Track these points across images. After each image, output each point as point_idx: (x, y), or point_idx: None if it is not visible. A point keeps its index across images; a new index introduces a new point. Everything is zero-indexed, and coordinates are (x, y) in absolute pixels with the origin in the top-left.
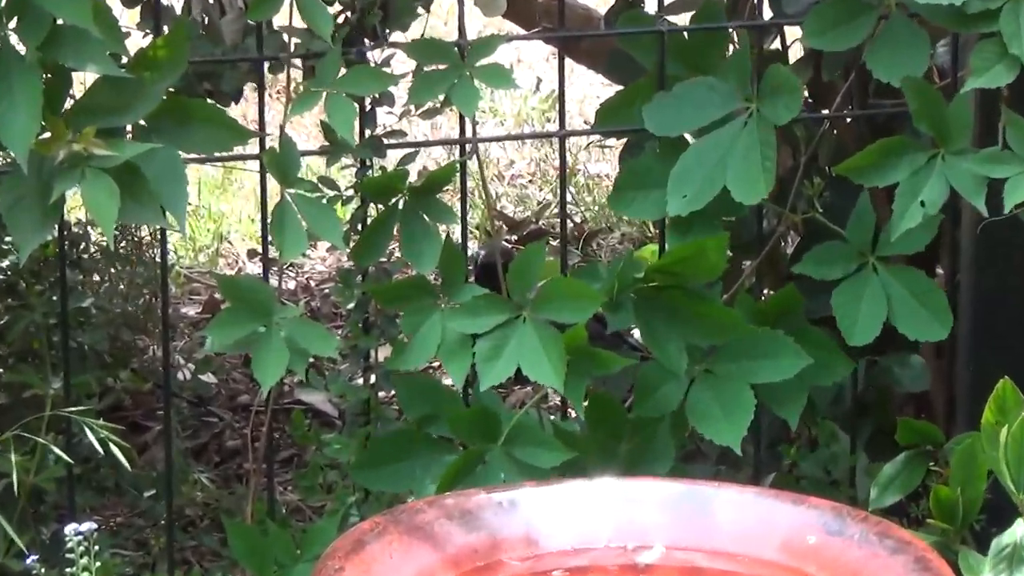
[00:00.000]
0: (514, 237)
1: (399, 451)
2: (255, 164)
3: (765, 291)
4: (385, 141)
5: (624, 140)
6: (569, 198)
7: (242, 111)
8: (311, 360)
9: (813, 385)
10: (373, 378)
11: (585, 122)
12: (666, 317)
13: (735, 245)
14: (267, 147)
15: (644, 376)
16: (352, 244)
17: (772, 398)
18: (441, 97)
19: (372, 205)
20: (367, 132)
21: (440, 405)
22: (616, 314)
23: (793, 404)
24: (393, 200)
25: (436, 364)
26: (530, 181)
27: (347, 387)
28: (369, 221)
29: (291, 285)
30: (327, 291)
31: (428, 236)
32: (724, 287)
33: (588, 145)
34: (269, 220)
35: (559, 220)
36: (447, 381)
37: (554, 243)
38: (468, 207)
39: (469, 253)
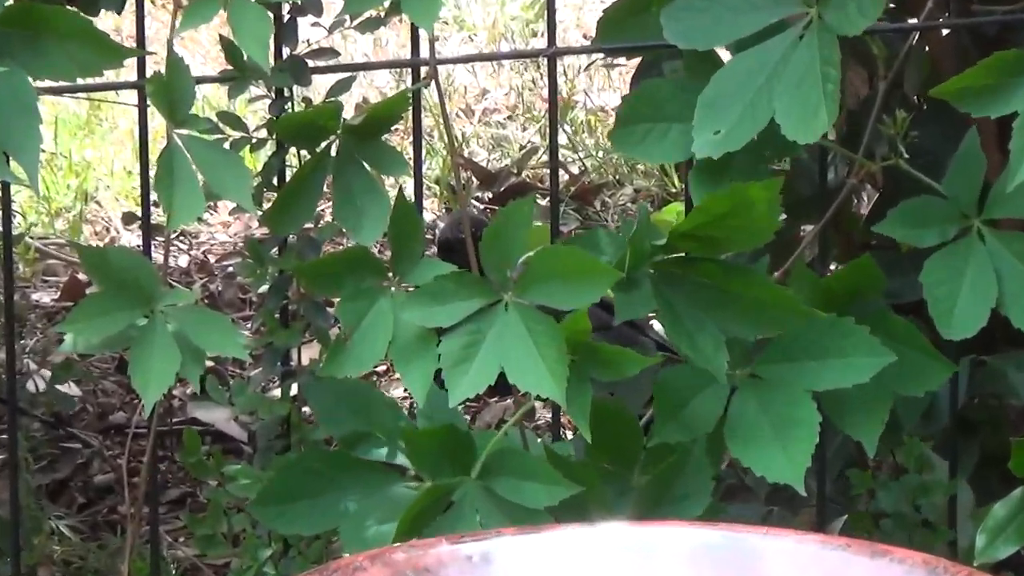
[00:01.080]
0: (488, 194)
1: (320, 481)
2: (132, 95)
3: (831, 266)
4: (310, 63)
5: (637, 60)
6: (563, 140)
7: (115, 24)
8: (210, 364)
9: (898, 394)
10: (295, 388)
11: (584, 36)
12: (697, 300)
13: (790, 203)
14: (150, 73)
15: (668, 383)
16: (265, 205)
17: (841, 412)
18: (386, 3)
19: (293, 152)
20: (285, 51)
21: (374, 420)
22: (628, 296)
23: (870, 420)
24: (322, 145)
25: (381, 369)
26: (509, 117)
27: (259, 400)
28: (289, 174)
29: (182, 261)
30: (231, 269)
31: (371, 193)
32: (774, 261)
33: (589, 66)
34: (152, 173)
35: (549, 171)
36: (397, 391)
37: (543, 202)
38: (424, 153)
39: (426, 218)
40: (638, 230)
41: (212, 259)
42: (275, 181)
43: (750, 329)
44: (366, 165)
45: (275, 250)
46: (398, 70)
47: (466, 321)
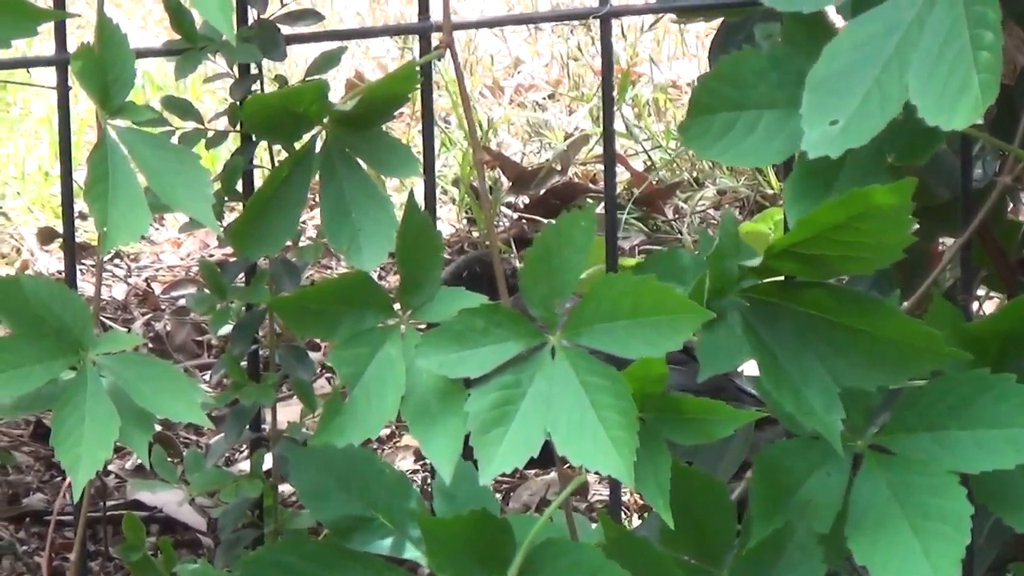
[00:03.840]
0: (524, 199)
1: None
2: (50, 73)
3: (979, 292)
4: (284, 30)
5: (718, 22)
6: (622, 126)
7: None
8: (158, 427)
9: None
10: (269, 460)
11: None
12: (802, 339)
13: (923, 209)
14: (73, 45)
15: (772, 460)
16: (230, 217)
17: (999, 496)
18: None
19: (264, 147)
20: (251, 14)
21: (376, 500)
22: (711, 336)
23: None
24: (304, 138)
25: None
26: (551, 96)
27: (221, 477)
28: (260, 177)
29: (119, 292)
30: (183, 302)
31: (370, 201)
32: (903, 285)
33: (654, 24)
34: (79, 175)
35: (603, 166)
36: (405, 463)
37: (597, 209)
38: (439, 146)
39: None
40: (721, 245)
41: (157, 289)
42: (241, 187)
43: (873, 376)
44: (362, 164)
45: (241, 277)
46: (402, 37)
47: (501, 371)
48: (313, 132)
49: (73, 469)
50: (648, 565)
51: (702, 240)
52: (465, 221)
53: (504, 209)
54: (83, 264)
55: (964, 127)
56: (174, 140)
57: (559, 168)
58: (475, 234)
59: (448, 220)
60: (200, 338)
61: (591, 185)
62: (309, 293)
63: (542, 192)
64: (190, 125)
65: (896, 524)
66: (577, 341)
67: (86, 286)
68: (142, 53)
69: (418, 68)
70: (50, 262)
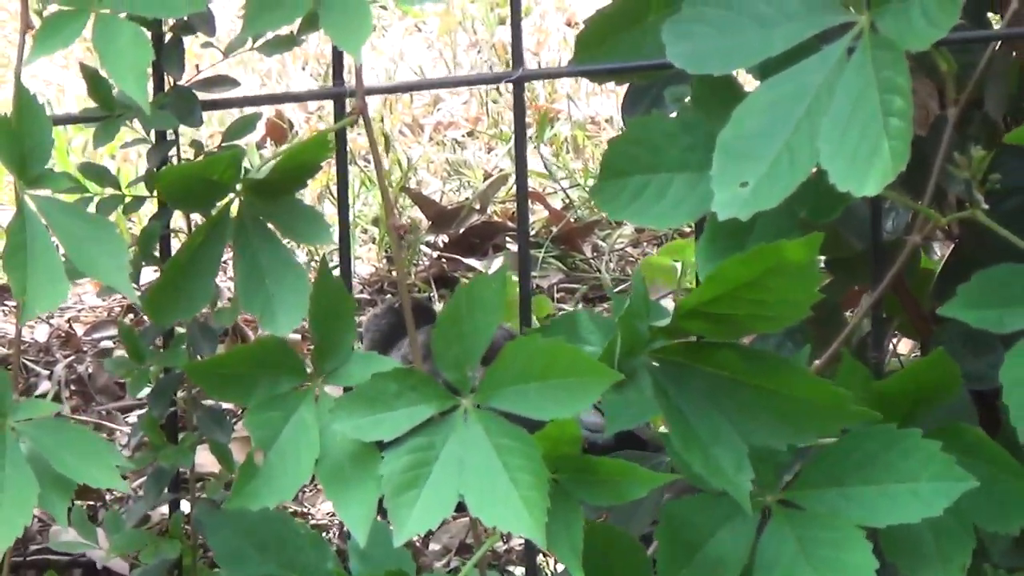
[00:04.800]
0: (443, 238)
1: None
2: None
3: (893, 338)
4: (200, 96)
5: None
6: (539, 165)
7: None
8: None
9: (982, 529)
10: (188, 518)
11: (568, 23)
12: (712, 399)
13: (835, 260)
14: None
15: (677, 516)
16: (146, 286)
17: (907, 553)
18: (297, 22)
19: (180, 212)
20: (167, 80)
21: (292, 560)
22: (620, 397)
23: (946, 564)
24: (220, 205)
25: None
26: (470, 134)
27: (141, 539)
28: (177, 240)
29: (40, 333)
30: (105, 343)
31: (284, 268)
32: (816, 339)
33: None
34: None
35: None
36: (326, 506)
37: (515, 246)
38: (357, 185)
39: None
40: (631, 307)
41: (80, 330)
42: (157, 252)
43: (783, 435)
44: (277, 233)
45: (159, 339)
46: (318, 102)
47: (414, 434)
48: (227, 200)
49: None
50: None
51: (615, 303)
52: (385, 260)
53: (424, 247)
54: (5, 305)
55: (874, 193)
56: (92, 207)
57: (478, 207)
58: (394, 273)
59: (368, 259)
60: (122, 380)
61: (509, 223)
62: (224, 358)
63: (462, 231)
64: (107, 191)
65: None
66: (489, 404)
67: (7, 327)
68: (59, 120)
69: (330, 137)
70: None
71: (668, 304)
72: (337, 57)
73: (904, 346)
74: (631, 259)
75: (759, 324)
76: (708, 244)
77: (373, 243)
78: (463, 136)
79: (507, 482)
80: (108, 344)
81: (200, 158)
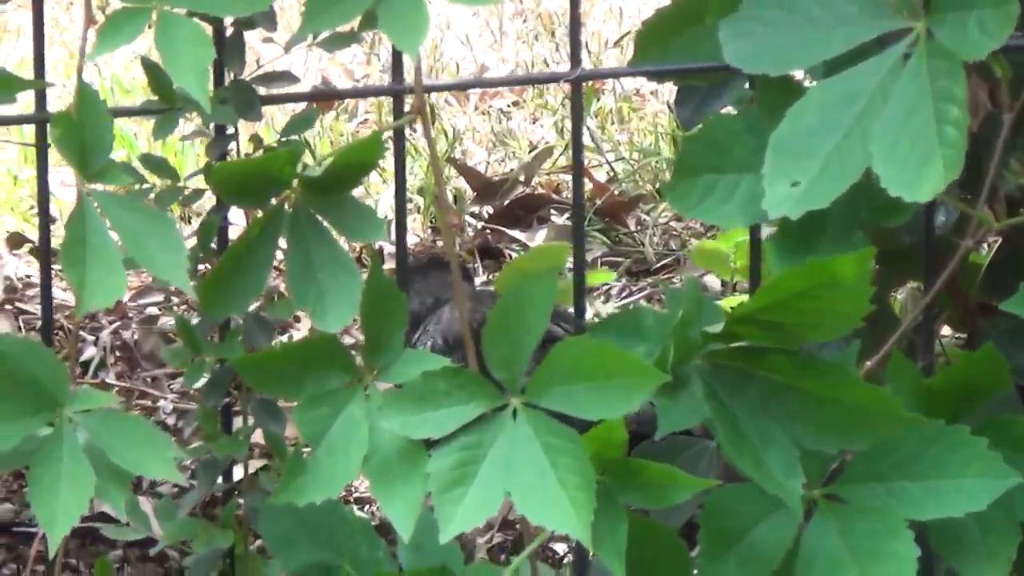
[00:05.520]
0: (487, 209)
1: None
2: (22, 134)
3: (941, 330)
4: (260, 91)
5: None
6: (585, 138)
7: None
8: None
9: None
10: (240, 508)
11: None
12: (763, 405)
13: (885, 253)
14: (54, 111)
15: (721, 506)
16: (201, 276)
17: (953, 545)
18: (357, 19)
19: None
20: (228, 75)
21: (344, 550)
22: (671, 402)
23: (992, 558)
24: (276, 202)
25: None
26: (515, 104)
27: (194, 527)
28: (234, 235)
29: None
30: (151, 310)
31: (336, 265)
32: (867, 335)
33: (621, 40)
34: (59, 243)
35: (569, 179)
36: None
37: (560, 220)
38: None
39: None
40: (685, 316)
41: (125, 296)
42: (215, 244)
43: (833, 440)
44: (331, 230)
45: (215, 333)
46: (376, 98)
47: (462, 432)
48: (282, 196)
49: (49, 525)
50: None
51: (669, 297)
52: (430, 230)
53: (468, 219)
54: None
55: (927, 200)
56: (151, 197)
57: (523, 179)
58: (439, 243)
59: (412, 230)
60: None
61: (554, 196)
62: (274, 354)
63: (506, 203)
64: (165, 183)
65: (844, 567)
66: (538, 403)
67: (59, 293)
68: (119, 113)
69: (385, 136)
70: (19, 266)
71: (711, 281)
72: (397, 53)
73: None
74: (675, 232)
75: (810, 333)
76: (778, 243)
77: (418, 212)
78: (508, 106)
79: (555, 482)
80: (154, 311)
81: (259, 153)
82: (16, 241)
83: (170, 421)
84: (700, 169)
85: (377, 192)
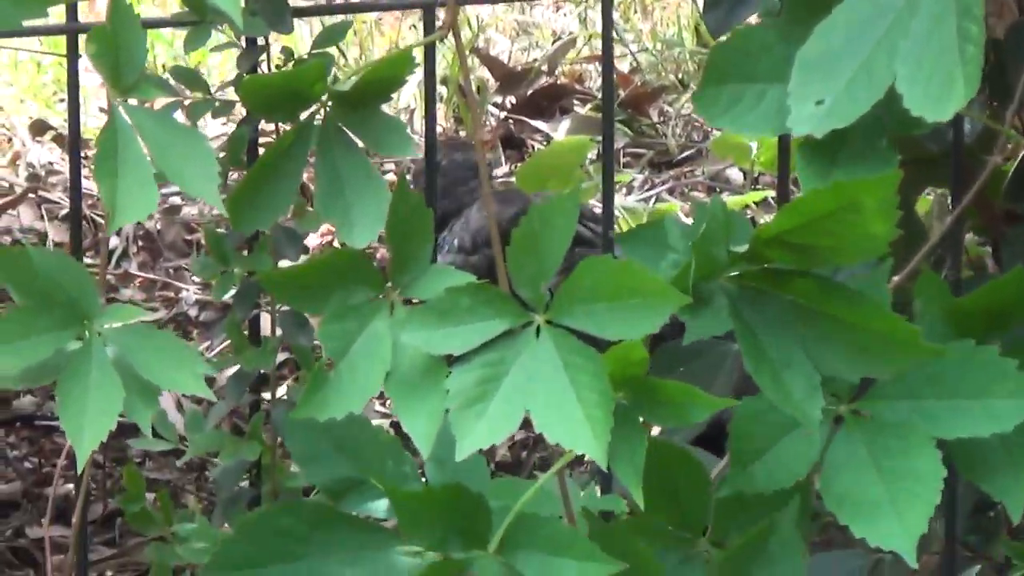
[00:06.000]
0: (511, 99)
1: (293, 543)
2: (53, 44)
3: (967, 236)
4: (292, 2)
5: None
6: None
7: None
8: None
9: None
10: (267, 420)
11: None
12: (786, 326)
13: (911, 161)
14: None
15: (748, 417)
16: (229, 190)
17: (976, 464)
18: None
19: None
20: None
21: (369, 463)
22: (697, 320)
23: (1016, 477)
24: (305, 115)
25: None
26: None
27: (222, 440)
28: (261, 150)
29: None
30: (174, 199)
31: (364, 179)
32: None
33: None
34: (89, 153)
35: (594, 71)
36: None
37: (583, 110)
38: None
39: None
40: (707, 232)
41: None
42: (245, 157)
43: (856, 367)
44: (360, 144)
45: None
46: (403, 11)
47: (485, 348)
48: (313, 110)
49: (77, 439)
50: (622, 538)
51: (696, 210)
52: (453, 120)
53: (491, 108)
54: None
55: (948, 118)
56: (180, 113)
57: (547, 69)
58: (462, 133)
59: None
60: (190, 237)
61: (577, 86)
62: (300, 268)
63: (529, 93)
64: (196, 96)
65: (870, 483)
66: (561, 321)
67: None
68: (150, 24)
69: (414, 52)
70: (42, 153)
71: (734, 174)
72: None
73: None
74: (696, 124)
75: (837, 256)
76: (804, 155)
77: (441, 101)
78: None
79: (573, 400)
80: (176, 200)
81: (289, 66)
82: (39, 128)
83: (192, 312)
84: (728, 77)
85: None
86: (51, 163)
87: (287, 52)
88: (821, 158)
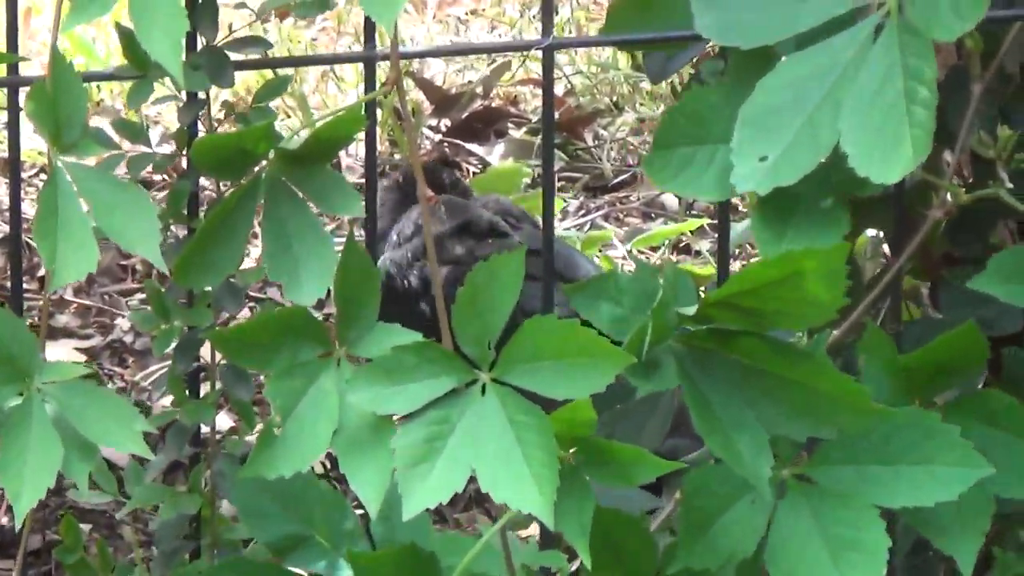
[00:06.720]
0: (445, 122)
1: None
2: None
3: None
4: (233, 57)
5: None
6: None
7: None
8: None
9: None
10: (208, 473)
11: None
12: (735, 386)
13: (851, 203)
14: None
15: (698, 487)
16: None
17: (927, 520)
18: None
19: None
20: (200, 41)
21: (315, 520)
22: (648, 381)
23: (966, 533)
24: (252, 174)
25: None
26: (473, 13)
27: (162, 493)
28: (205, 206)
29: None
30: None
31: (312, 237)
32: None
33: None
34: (28, 217)
35: (532, 92)
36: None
37: (518, 134)
38: (355, 85)
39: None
40: (664, 299)
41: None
42: (185, 210)
43: (803, 427)
44: (308, 203)
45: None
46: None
47: (431, 407)
48: (260, 169)
49: (16, 497)
50: None
51: (638, 267)
52: (387, 143)
53: (426, 131)
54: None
55: (895, 180)
56: (120, 170)
57: (481, 92)
58: (396, 156)
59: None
60: (125, 262)
61: (512, 109)
62: (247, 326)
63: (464, 116)
64: (137, 149)
65: (816, 553)
66: (506, 379)
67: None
68: (90, 78)
69: (362, 109)
70: None
71: (669, 199)
72: (368, 19)
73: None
74: (631, 147)
75: (785, 321)
76: (759, 213)
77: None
78: (466, 14)
79: (520, 458)
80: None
81: (232, 121)
82: None
83: (128, 339)
84: (678, 140)
85: (336, 104)
86: None
87: (228, 107)
88: (775, 219)
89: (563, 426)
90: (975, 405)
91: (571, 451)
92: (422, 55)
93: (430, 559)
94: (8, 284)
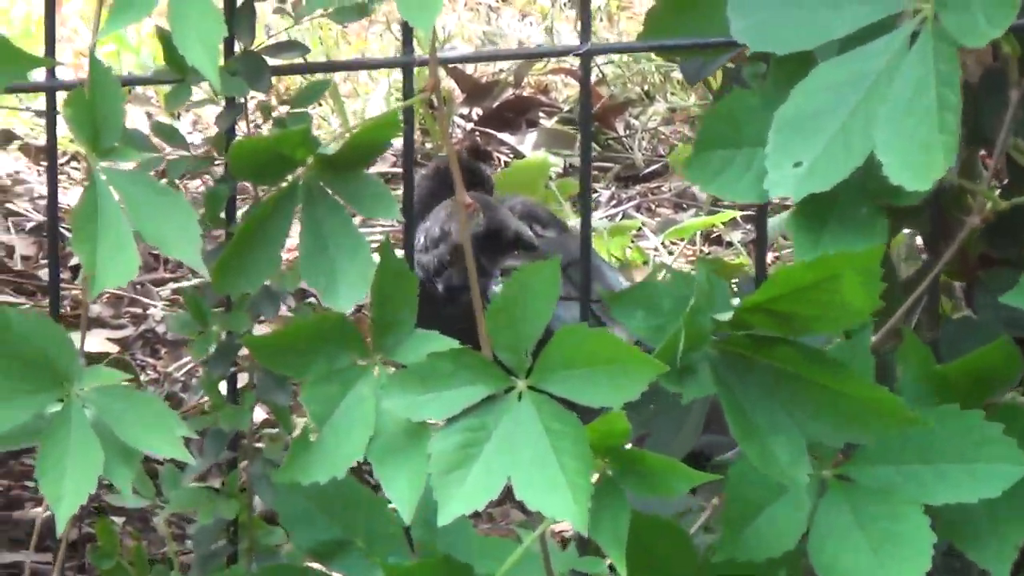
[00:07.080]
0: (477, 111)
1: None
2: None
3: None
4: (270, 61)
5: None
6: (573, 37)
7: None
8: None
9: None
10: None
11: None
12: (771, 392)
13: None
14: (63, 84)
15: (741, 482)
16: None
17: (961, 529)
18: None
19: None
20: (237, 46)
21: (357, 524)
22: (683, 387)
23: (1001, 544)
24: (288, 179)
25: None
26: (505, 1)
27: (199, 497)
28: (242, 211)
29: (75, 196)
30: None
31: (348, 243)
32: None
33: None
34: (66, 221)
35: (563, 81)
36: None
37: (548, 123)
38: (392, 52)
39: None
40: (696, 304)
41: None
42: (224, 214)
43: (838, 433)
44: (345, 208)
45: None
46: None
47: (466, 414)
48: (295, 175)
49: (56, 503)
50: None
51: (675, 279)
52: (419, 132)
53: (457, 120)
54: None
55: (928, 188)
56: (156, 176)
57: (512, 81)
58: (428, 146)
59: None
60: (156, 251)
61: (543, 98)
62: (284, 333)
63: (496, 105)
64: (176, 153)
65: (858, 547)
66: (543, 387)
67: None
68: (129, 82)
69: (399, 113)
70: (5, 161)
71: (699, 191)
72: (407, 23)
73: None
74: (663, 136)
75: (819, 325)
76: (796, 218)
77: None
78: (497, 2)
79: (555, 466)
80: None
81: (270, 126)
82: (5, 137)
83: (160, 329)
84: (716, 144)
85: (366, 92)
86: (17, 172)
87: (265, 110)
88: (812, 224)
89: (598, 437)
90: (1015, 415)
91: (604, 460)
92: (461, 60)
93: (465, 571)
94: (37, 272)
